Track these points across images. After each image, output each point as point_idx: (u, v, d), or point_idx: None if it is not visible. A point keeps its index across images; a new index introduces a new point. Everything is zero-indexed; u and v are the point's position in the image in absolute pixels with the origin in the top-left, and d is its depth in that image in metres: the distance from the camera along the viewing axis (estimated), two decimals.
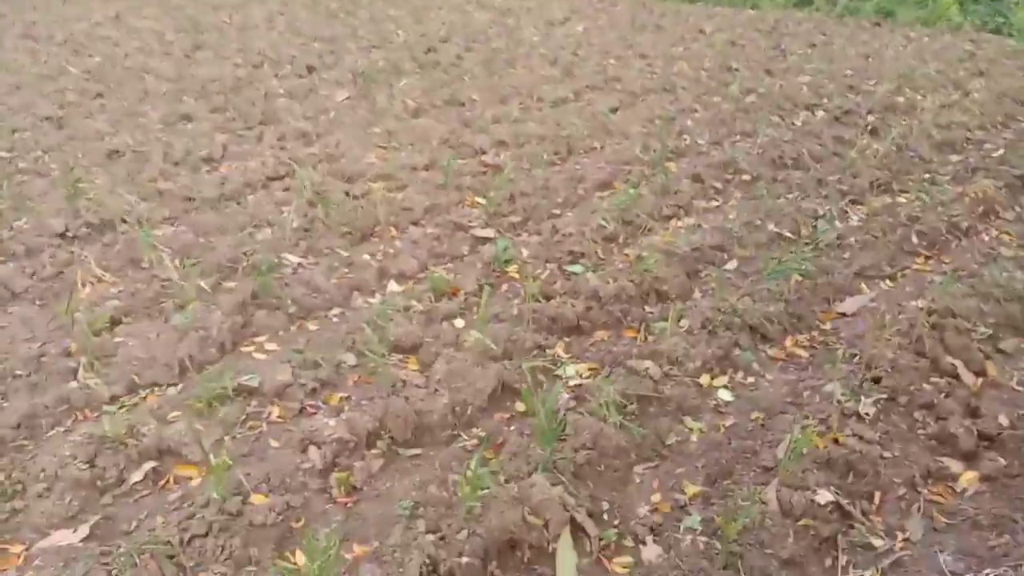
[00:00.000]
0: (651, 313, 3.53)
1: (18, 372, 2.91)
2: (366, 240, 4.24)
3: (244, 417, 2.70)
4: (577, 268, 3.92)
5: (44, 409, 2.72)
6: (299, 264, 3.91)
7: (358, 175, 5.05)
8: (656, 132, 5.99)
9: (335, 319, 3.47)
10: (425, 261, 3.99)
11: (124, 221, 4.21)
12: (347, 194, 4.70)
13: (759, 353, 3.22)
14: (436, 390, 2.78)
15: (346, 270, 3.83)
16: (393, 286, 3.75)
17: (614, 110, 6.64)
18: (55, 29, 9.77)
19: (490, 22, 10.76)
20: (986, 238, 4.42)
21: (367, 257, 3.96)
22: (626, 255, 4.08)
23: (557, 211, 4.71)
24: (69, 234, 4.12)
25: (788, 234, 4.31)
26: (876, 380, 2.95)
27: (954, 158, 5.68)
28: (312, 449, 2.49)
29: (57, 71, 7.62)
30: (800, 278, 3.70)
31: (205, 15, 10.87)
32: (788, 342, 3.35)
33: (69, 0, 12.43)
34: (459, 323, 3.39)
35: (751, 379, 3.04)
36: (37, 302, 3.54)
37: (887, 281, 3.90)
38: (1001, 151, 5.72)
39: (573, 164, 5.43)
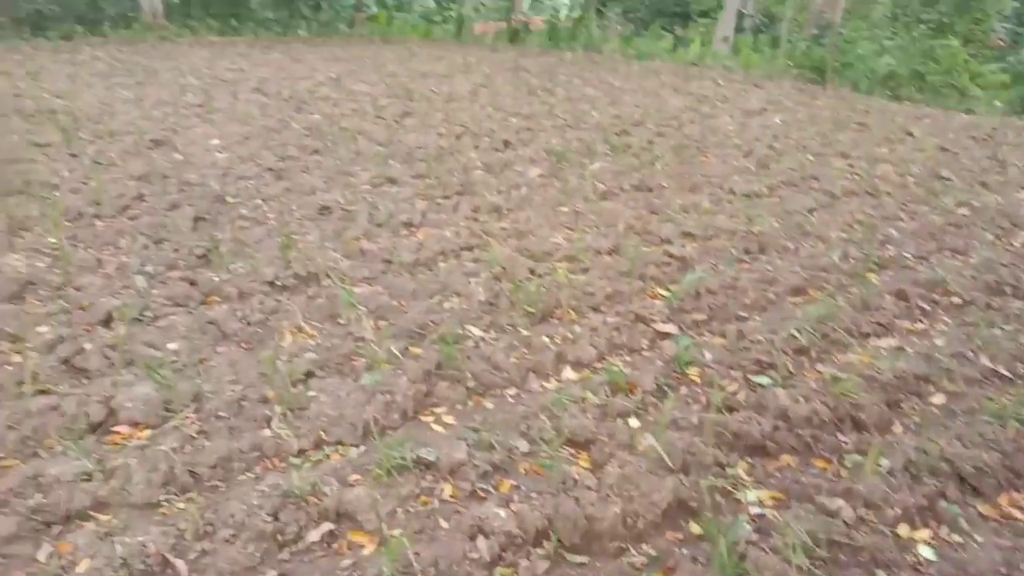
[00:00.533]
0: (845, 443, 3.28)
1: (221, 413, 3.13)
2: (546, 321, 4.27)
3: (419, 491, 2.75)
4: (764, 380, 3.73)
5: (239, 453, 2.90)
6: (481, 338, 3.99)
7: (544, 254, 5.13)
8: (856, 239, 5.69)
9: (511, 399, 3.49)
10: (603, 350, 3.95)
11: (328, 276, 4.50)
12: (532, 272, 4.79)
13: (968, 508, 2.88)
14: (608, 495, 2.70)
15: (525, 350, 3.86)
16: (569, 373, 3.73)
17: (811, 210, 6.39)
18: (283, 86, 10.83)
19: (684, 108, 10.79)
20: None
21: (546, 339, 3.98)
22: (819, 372, 3.84)
23: (744, 313, 4.54)
24: (278, 283, 4.45)
25: (1005, 372, 3.90)
26: None
27: None
28: (480, 539, 2.47)
29: (281, 125, 8.41)
30: (1020, 427, 3.32)
31: (415, 83, 11.66)
32: (1003, 500, 2.99)
33: (298, 61, 13.78)
34: (634, 423, 3.30)
35: (958, 538, 2.73)
36: (243, 345, 3.82)
37: None
38: None
39: (764, 264, 5.24)
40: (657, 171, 7.39)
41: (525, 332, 4.10)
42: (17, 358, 3.45)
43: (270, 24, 21.24)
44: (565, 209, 6.18)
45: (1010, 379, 3.86)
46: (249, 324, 3.98)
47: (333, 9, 25.18)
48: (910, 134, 9.80)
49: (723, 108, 10.89)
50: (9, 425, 2.94)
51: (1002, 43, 19.52)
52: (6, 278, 4.26)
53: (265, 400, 3.27)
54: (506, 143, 8.24)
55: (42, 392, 3.24)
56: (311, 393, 3.33)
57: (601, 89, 12.14)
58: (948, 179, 7.70)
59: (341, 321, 4.04)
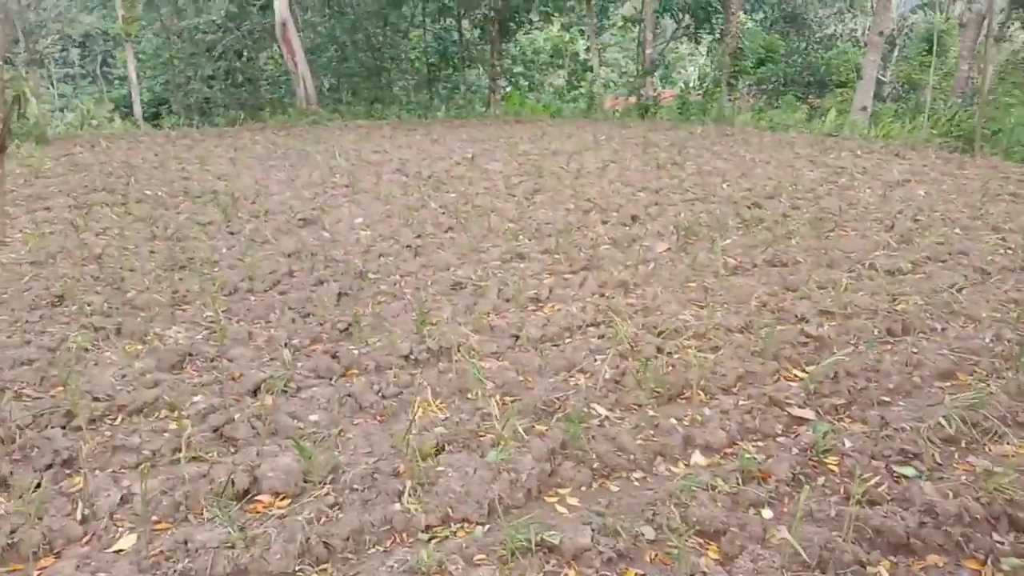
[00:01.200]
0: (1001, 544, 3.02)
1: (355, 486, 3.26)
2: (674, 402, 4.21)
3: (542, 575, 2.75)
4: (909, 471, 3.51)
5: (370, 527, 3.01)
6: (606, 417, 3.98)
7: (672, 331, 5.08)
8: (1011, 319, 5.30)
9: (636, 483, 3.45)
10: (734, 435, 3.84)
11: (459, 351, 4.65)
12: (659, 350, 4.75)
13: None
14: None
15: (651, 431, 3.81)
16: (698, 457, 3.65)
17: (959, 288, 6.02)
18: (422, 166, 11.42)
19: (821, 180, 10.50)
20: None
21: (674, 421, 3.92)
22: (970, 465, 3.57)
23: (887, 398, 4.30)
24: (412, 357, 4.64)
25: None
26: None
27: None
28: None
29: (420, 204, 8.84)
30: None
31: (546, 161, 11.99)
32: None
33: (437, 142, 14.52)
34: (767, 514, 3.18)
35: None
36: (378, 418, 3.99)
37: None
38: None
39: (909, 346, 4.95)
40: (792, 246, 7.20)
41: (652, 413, 4.06)
42: (174, 425, 3.75)
43: (411, 107, 22.59)
44: (694, 285, 6.11)
45: None
46: (384, 397, 4.16)
47: (469, 91, 26.52)
48: None
49: (862, 180, 10.51)
50: (163, 490, 3.19)
51: None
52: (168, 349, 4.68)
53: (397, 474, 3.38)
54: (634, 218, 8.29)
55: (195, 459, 3.50)
56: (440, 468, 3.42)
57: (732, 162, 12.03)
58: None
59: (470, 396, 4.15)
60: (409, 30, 25.73)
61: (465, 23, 25.41)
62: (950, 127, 14.01)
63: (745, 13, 29.21)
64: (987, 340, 4.93)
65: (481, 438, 3.72)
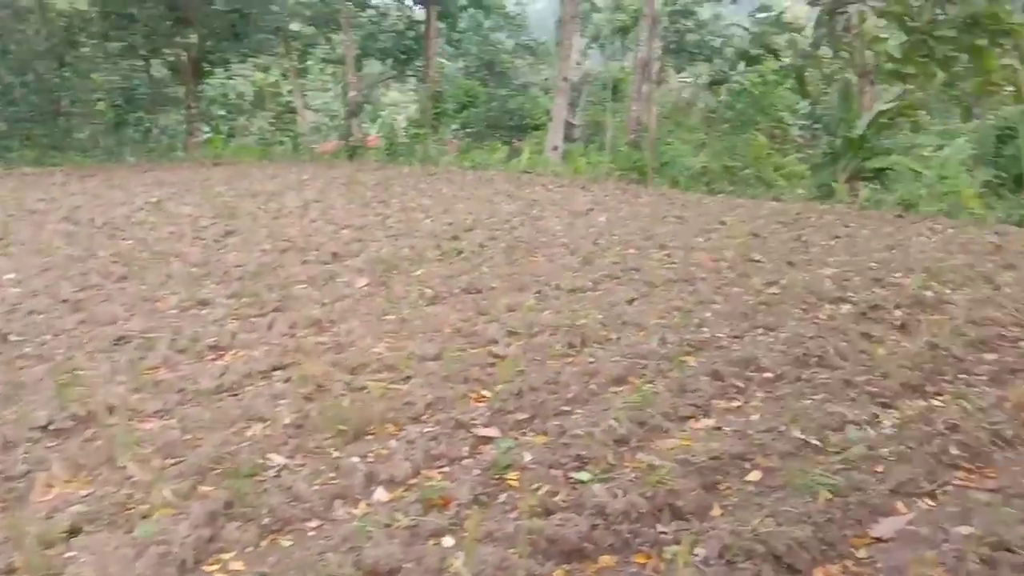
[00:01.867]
0: (664, 534, 3.17)
1: None
2: (360, 439, 3.99)
3: None
4: (584, 476, 3.61)
5: None
6: (284, 466, 3.65)
7: (363, 366, 4.89)
8: (674, 324, 5.83)
9: (312, 533, 3.16)
10: (419, 464, 3.71)
11: (110, 414, 4.04)
12: (348, 386, 4.53)
13: None
14: None
15: (332, 474, 3.56)
16: (380, 494, 3.46)
17: (631, 301, 6.54)
18: (96, 213, 10.22)
19: (516, 212, 11.06)
20: None
21: (356, 459, 3.70)
22: (639, 462, 3.76)
23: (567, 408, 4.45)
24: (52, 427, 3.95)
25: (815, 442, 3.97)
26: None
27: (989, 357, 5.37)
28: None
29: (87, 254, 7.84)
30: (830, 496, 3.35)
31: (243, 202, 11.35)
32: (818, 574, 2.95)
33: (117, 187, 13.15)
34: (448, 542, 3.05)
35: None
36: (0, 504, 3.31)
37: (926, 499, 3.50)
38: None
39: (587, 356, 5.23)
40: (486, 273, 7.40)
41: (336, 454, 3.81)
42: None
43: (97, 153, 20.39)
44: (391, 317, 6.00)
45: (820, 448, 3.92)
46: (8, 479, 3.46)
47: (164, 135, 24.62)
48: (723, 223, 10.45)
49: (552, 211, 11.25)
50: None
51: (801, 140, 21.72)
52: None
53: (11, 570, 2.78)
54: (334, 255, 8.04)
55: None
56: (71, 554, 2.87)
57: (435, 199, 12.29)
58: (759, 261, 8.17)
59: (120, 465, 3.59)
60: (90, 71, 23.32)
61: (157, 63, 23.61)
62: (626, 162, 15.60)
63: (448, 59, 30.52)
64: (654, 344, 5.35)
65: (130, 511, 3.21)
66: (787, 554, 2.93)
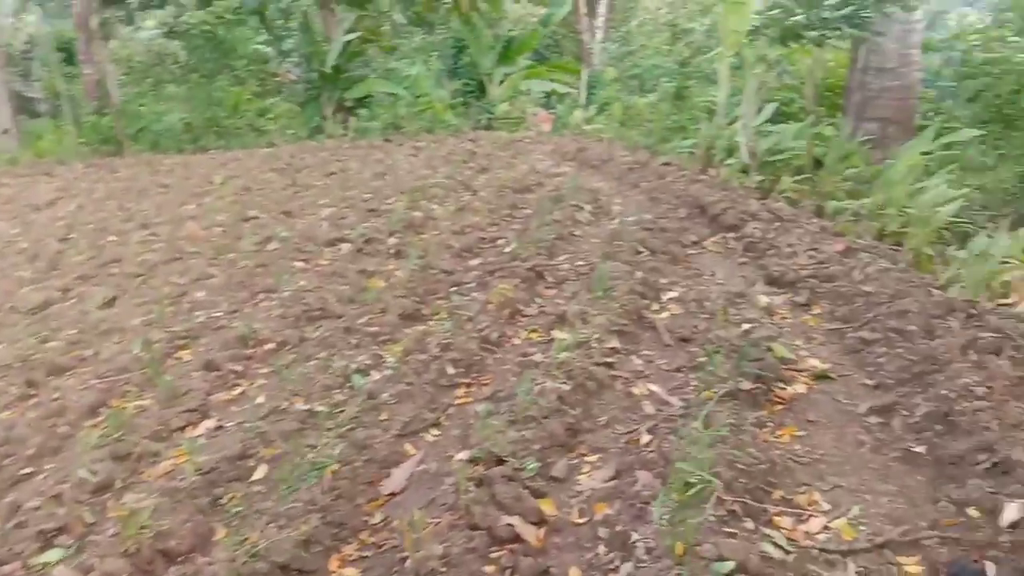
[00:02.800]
0: None
1: None
2: None
3: None
4: (54, 555, 2.86)
5: None
6: None
7: None
8: (161, 317, 5.09)
9: None
10: None
11: None
12: None
13: None
14: None
15: None
16: None
17: (109, 301, 5.59)
18: None
19: None
20: (517, 342, 4.35)
21: None
22: (123, 509, 3.10)
23: (29, 469, 3.55)
24: None
25: (321, 408, 3.72)
26: None
27: (474, 263, 5.73)
28: None
29: None
30: (336, 467, 3.12)
31: None
32: (334, 564, 2.70)
33: None
34: None
35: None
36: None
37: (432, 430, 3.51)
38: (512, 246, 5.92)
39: (51, 392, 4.27)
40: None
41: None
42: None
43: None
44: None
45: (327, 413, 3.68)
46: None
47: None
48: (212, 183, 9.67)
49: (4, 211, 9.27)
50: None
51: (292, 77, 21.32)
52: None
53: None
54: None
55: None
56: None
57: None
58: (255, 217, 7.69)
59: None
60: None
61: None
62: (96, 134, 13.63)
63: None
64: (137, 350, 4.57)
65: None
66: (293, 560, 2.62)
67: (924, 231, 5.48)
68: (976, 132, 7.75)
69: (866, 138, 8.11)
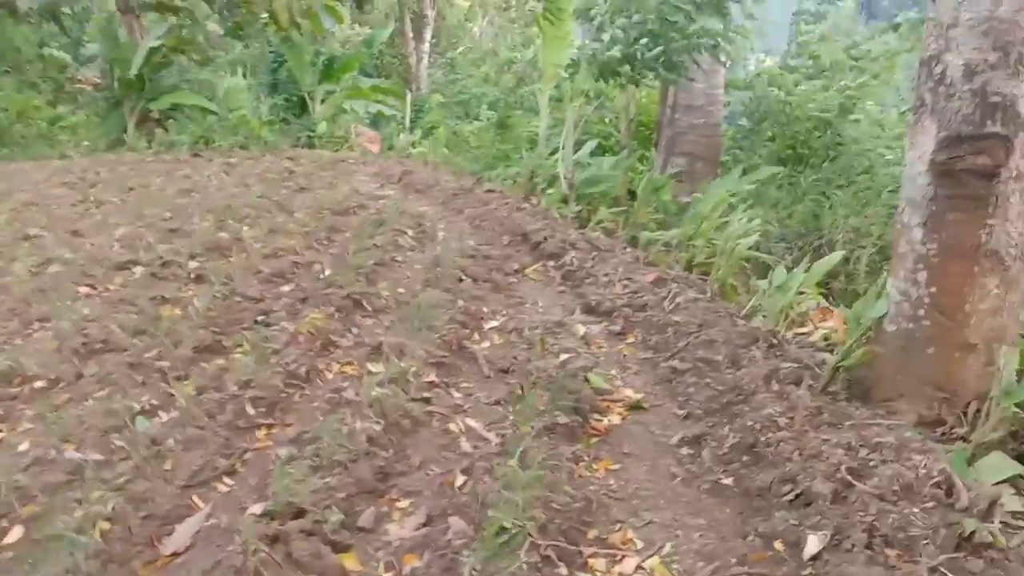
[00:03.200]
0: None
1: None
2: None
3: None
4: None
5: None
6: None
7: None
8: None
9: None
10: None
11: None
12: None
13: None
14: None
15: None
16: None
17: None
18: None
19: None
20: (330, 376, 4.06)
21: None
22: None
23: None
24: None
25: (99, 457, 3.24)
26: None
27: (285, 289, 5.37)
28: None
29: None
30: (107, 525, 2.70)
31: None
32: None
33: None
34: None
35: None
36: None
37: (225, 480, 3.14)
38: (328, 271, 5.61)
39: None
40: None
41: None
42: None
43: None
44: None
45: (103, 463, 3.20)
46: None
47: None
48: None
49: None
50: None
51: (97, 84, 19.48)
52: None
53: None
54: None
55: None
56: None
57: None
58: (37, 236, 6.84)
59: None
60: None
61: None
62: None
63: None
64: None
65: None
66: None
67: (728, 263, 5.77)
68: (776, 170, 8.36)
69: (676, 171, 8.53)
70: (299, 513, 2.69)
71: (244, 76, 14.49)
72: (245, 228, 6.88)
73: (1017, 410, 3.14)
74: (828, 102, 9.26)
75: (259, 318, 4.79)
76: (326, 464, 2.99)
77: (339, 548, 2.61)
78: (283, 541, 2.54)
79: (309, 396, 3.82)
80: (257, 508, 2.78)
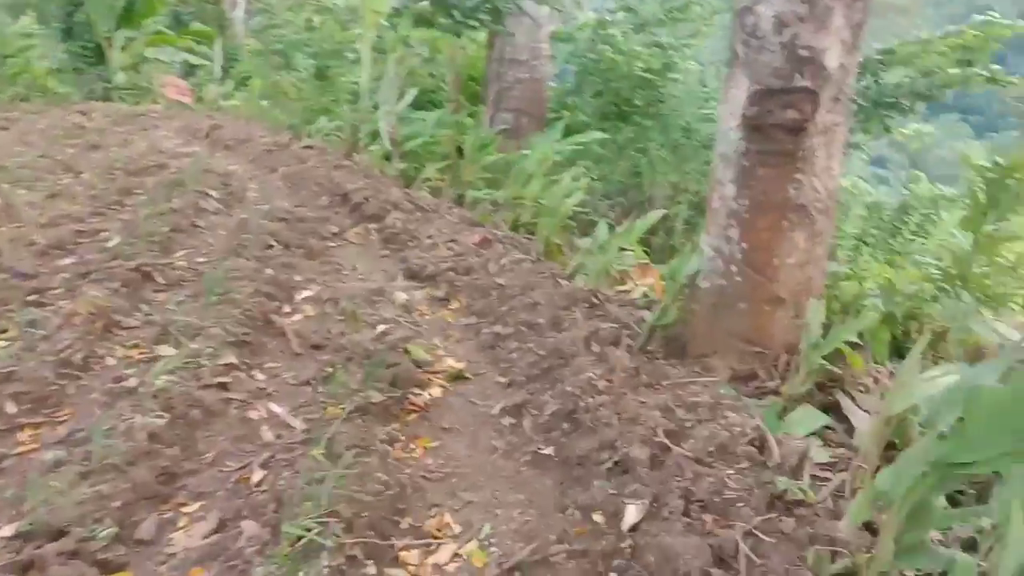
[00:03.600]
0: None
1: None
2: None
3: None
4: None
5: None
6: None
7: None
8: None
9: None
10: None
11: None
12: None
13: None
14: None
15: None
16: None
17: None
18: None
19: None
20: (112, 363, 3.57)
21: None
22: None
23: None
24: None
25: None
26: None
27: (67, 262, 4.71)
28: None
29: None
30: None
31: None
32: None
33: None
34: None
35: None
36: None
37: None
38: (116, 239, 4.98)
39: None
40: None
41: None
42: None
43: None
44: None
45: None
46: None
47: None
48: None
49: None
50: None
51: None
52: None
53: None
54: None
55: None
56: None
57: None
58: None
59: None
60: None
61: None
62: None
63: None
64: None
65: None
66: None
67: (553, 221, 5.69)
68: (602, 136, 8.37)
69: (503, 128, 8.36)
70: (59, 533, 2.30)
71: (35, 21, 12.76)
72: (21, 191, 6.02)
73: (823, 362, 3.24)
74: (651, 61, 9.38)
75: (31, 297, 4.16)
76: (97, 469, 2.59)
77: (110, 568, 2.26)
78: (38, 568, 2.16)
79: (86, 387, 3.34)
80: (8, 530, 2.35)
